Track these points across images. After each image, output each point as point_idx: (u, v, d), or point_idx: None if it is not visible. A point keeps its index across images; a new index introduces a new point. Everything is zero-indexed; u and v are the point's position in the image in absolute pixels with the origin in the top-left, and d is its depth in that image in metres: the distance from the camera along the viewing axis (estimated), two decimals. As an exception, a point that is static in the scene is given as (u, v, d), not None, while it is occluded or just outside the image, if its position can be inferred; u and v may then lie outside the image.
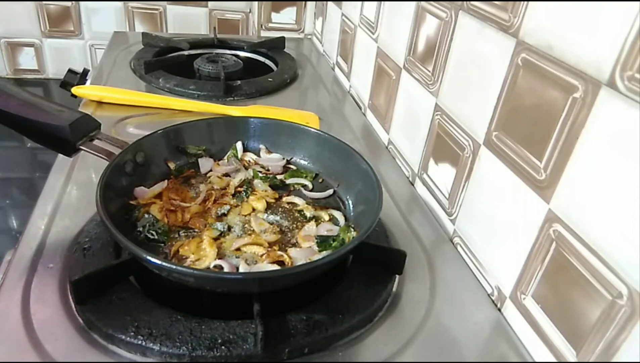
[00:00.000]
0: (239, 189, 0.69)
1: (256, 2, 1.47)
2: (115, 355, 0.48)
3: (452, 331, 0.54)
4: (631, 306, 0.40)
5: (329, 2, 1.30)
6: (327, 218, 0.66)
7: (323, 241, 0.60)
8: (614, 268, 0.42)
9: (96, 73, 1.14)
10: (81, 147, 0.62)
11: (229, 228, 0.62)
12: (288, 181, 0.73)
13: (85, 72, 1.02)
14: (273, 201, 0.68)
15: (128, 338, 0.48)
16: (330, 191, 0.71)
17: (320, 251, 0.59)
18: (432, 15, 0.74)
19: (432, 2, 0.74)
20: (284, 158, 0.76)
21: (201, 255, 0.57)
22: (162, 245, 0.59)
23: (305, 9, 1.50)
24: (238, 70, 1.18)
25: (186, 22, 1.55)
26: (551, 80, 0.49)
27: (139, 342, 0.47)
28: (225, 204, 0.66)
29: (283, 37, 1.34)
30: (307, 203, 0.68)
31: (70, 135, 0.61)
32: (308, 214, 0.66)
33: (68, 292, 0.53)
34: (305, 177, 0.73)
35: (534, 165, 0.52)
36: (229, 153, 0.76)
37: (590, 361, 0.44)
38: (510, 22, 0.55)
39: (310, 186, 0.72)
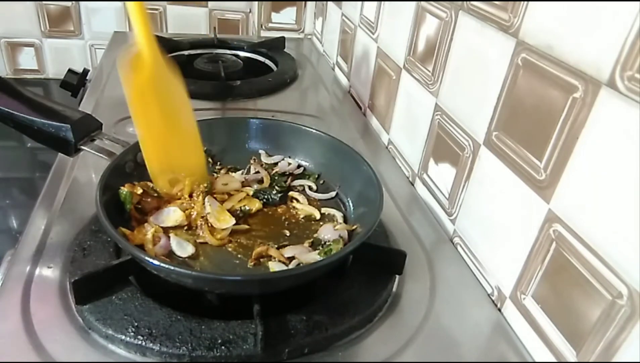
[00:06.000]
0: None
1: (256, 2, 1.47)
2: (115, 355, 0.48)
3: (452, 331, 0.54)
4: (631, 306, 0.40)
5: (329, 2, 1.30)
6: (328, 218, 0.65)
7: (323, 243, 0.60)
8: (614, 268, 0.42)
9: (96, 73, 1.13)
10: (82, 147, 0.62)
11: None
12: (293, 183, 0.72)
13: (85, 72, 1.03)
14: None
15: (128, 339, 0.48)
16: (333, 193, 0.71)
17: (320, 252, 0.59)
18: (432, 15, 0.74)
19: (432, 2, 0.74)
20: (298, 165, 0.75)
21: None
22: (162, 245, 0.59)
23: (305, 9, 1.50)
24: (238, 70, 1.18)
25: (186, 22, 1.55)
26: (551, 80, 0.49)
27: (139, 342, 0.47)
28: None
29: (283, 37, 1.34)
30: (309, 204, 0.68)
31: (72, 135, 0.61)
32: (310, 215, 0.66)
33: (68, 292, 0.53)
34: (309, 178, 0.73)
35: (534, 165, 0.52)
36: (251, 163, 0.74)
37: (590, 361, 0.44)
38: (510, 22, 0.55)
39: (315, 188, 0.72)
